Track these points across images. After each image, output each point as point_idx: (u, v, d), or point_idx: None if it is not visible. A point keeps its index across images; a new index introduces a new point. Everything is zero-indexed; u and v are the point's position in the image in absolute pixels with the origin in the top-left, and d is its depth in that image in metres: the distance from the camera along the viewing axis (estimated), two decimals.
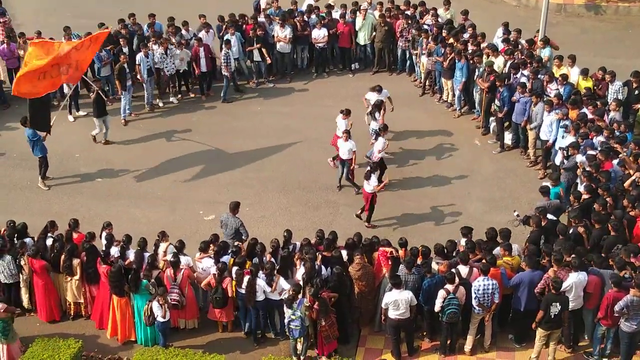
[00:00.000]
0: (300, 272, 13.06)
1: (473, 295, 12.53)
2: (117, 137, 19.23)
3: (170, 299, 13.07)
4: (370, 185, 15.56)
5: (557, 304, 12.15)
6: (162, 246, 13.83)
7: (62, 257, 13.59)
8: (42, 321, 14.05)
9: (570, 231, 13.59)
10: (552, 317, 12.25)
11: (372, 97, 18.09)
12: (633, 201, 13.79)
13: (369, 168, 15.72)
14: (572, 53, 18.26)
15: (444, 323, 12.74)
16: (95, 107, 18.58)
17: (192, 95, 21.14)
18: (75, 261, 13.56)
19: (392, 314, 12.62)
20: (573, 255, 12.57)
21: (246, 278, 12.95)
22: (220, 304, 13.25)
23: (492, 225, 13.90)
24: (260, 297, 13.04)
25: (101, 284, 13.65)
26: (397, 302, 12.48)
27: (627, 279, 12.17)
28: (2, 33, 20.97)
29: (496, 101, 17.96)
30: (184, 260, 13.50)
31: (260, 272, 13.02)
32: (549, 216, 13.93)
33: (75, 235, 14.14)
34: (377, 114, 17.65)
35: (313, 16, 21.59)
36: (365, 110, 18.06)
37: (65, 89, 19.64)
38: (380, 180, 15.95)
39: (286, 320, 12.66)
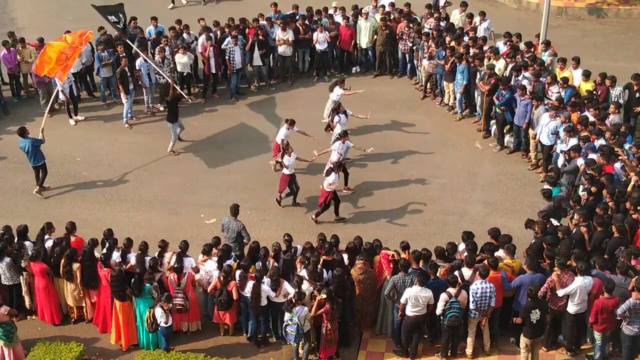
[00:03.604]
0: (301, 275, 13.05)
1: (471, 299, 12.48)
2: (117, 141, 19.24)
3: (175, 304, 13.05)
4: (326, 183, 15.77)
5: (537, 310, 12.14)
6: (167, 255, 13.72)
7: (62, 261, 13.54)
8: (44, 324, 14.03)
9: (574, 231, 13.59)
10: (534, 323, 12.22)
11: (338, 93, 18.37)
12: (636, 204, 13.77)
13: (329, 167, 15.98)
14: (573, 56, 18.28)
15: (445, 326, 12.73)
16: (172, 113, 18.42)
17: (193, 98, 21.16)
18: (75, 266, 13.54)
19: (410, 310, 12.57)
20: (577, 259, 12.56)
21: (250, 283, 12.93)
22: (225, 306, 13.21)
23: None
24: (263, 302, 13.03)
25: (102, 288, 13.63)
26: (417, 298, 12.42)
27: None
28: None
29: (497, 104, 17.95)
30: (187, 262, 13.48)
31: (265, 277, 13.00)
32: (553, 222, 13.91)
33: (72, 239, 14.10)
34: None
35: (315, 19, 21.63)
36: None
37: (61, 96, 19.60)
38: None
39: (284, 324, 12.67)
